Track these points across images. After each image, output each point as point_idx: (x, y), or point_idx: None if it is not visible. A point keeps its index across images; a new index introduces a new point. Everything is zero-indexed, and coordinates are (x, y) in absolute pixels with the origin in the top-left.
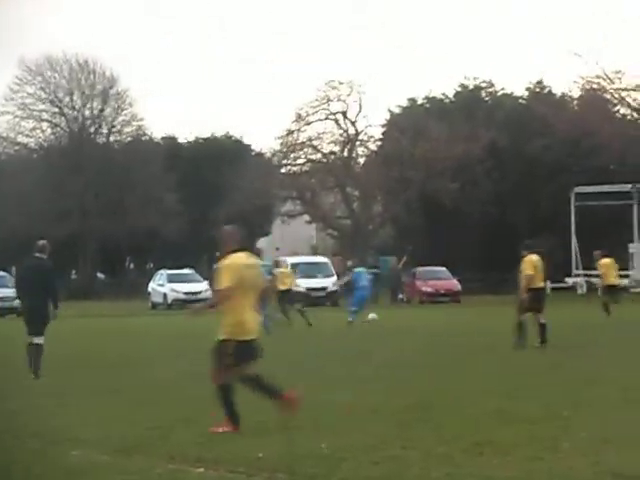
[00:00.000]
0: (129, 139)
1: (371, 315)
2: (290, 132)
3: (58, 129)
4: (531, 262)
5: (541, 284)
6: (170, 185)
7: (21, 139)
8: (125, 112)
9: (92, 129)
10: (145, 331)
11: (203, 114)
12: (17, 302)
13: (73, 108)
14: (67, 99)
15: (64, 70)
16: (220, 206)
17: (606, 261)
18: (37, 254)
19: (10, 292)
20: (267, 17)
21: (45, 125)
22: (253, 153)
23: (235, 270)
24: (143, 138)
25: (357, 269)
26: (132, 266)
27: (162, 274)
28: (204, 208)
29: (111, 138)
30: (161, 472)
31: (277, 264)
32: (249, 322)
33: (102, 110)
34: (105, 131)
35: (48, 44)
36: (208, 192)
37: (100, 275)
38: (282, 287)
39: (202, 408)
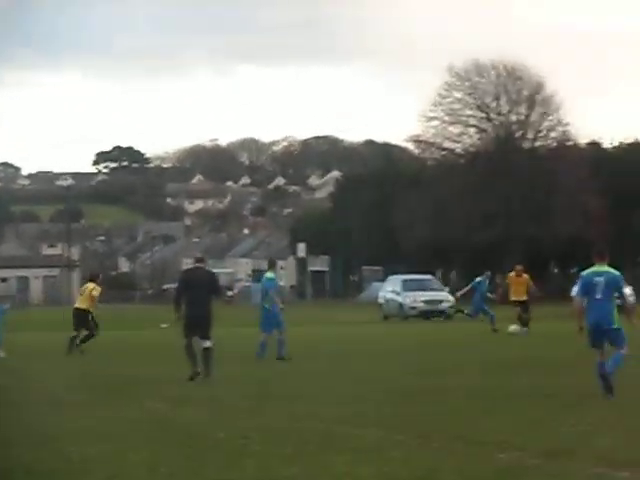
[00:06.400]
0: (554, 144)
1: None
2: None
3: (484, 134)
4: None
5: None
6: (595, 190)
7: (447, 144)
8: (551, 117)
9: (518, 134)
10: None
11: (626, 118)
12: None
13: (499, 113)
14: (494, 104)
15: (491, 76)
16: None
17: None
18: (198, 264)
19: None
20: None
21: (472, 130)
22: None
23: None
24: (568, 143)
25: None
26: (556, 270)
27: None
28: (628, 213)
29: (536, 143)
30: (587, 475)
31: None
32: None
33: (528, 115)
34: (531, 136)
35: (476, 50)
36: (632, 197)
37: None
38: None
39: (624, 413)
